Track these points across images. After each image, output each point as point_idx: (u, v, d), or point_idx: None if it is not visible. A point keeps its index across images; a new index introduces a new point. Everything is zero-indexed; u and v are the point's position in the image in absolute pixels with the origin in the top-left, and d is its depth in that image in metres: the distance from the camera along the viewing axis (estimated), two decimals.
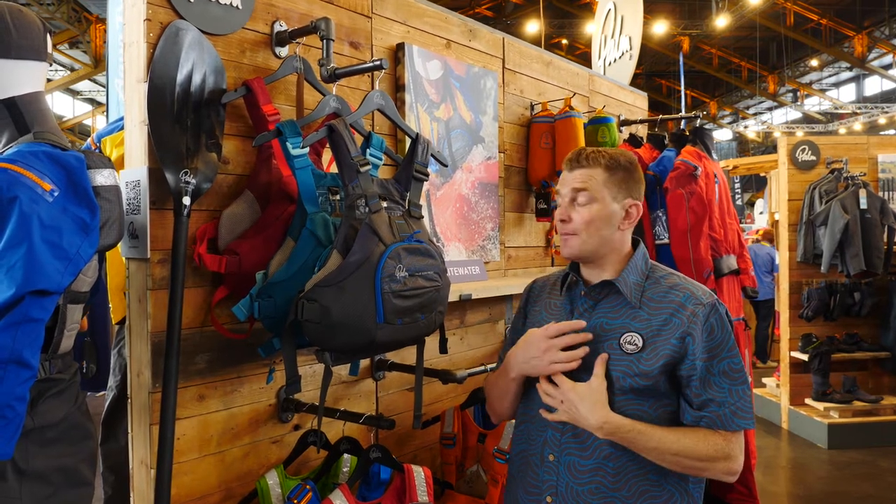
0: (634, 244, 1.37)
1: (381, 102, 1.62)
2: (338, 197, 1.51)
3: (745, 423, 1.23)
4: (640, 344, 1.25)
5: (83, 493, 1.34)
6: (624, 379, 1.24)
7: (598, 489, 1.24)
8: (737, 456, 1.22)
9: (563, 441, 1.28)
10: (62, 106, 20.36)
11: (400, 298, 1.34)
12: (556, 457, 1.28)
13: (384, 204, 1.43)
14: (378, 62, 1.54)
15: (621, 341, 1.26)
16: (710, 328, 1.24)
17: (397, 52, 2.02)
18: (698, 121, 2.98)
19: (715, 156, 2.95)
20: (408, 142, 1.60)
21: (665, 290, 1.30)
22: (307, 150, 1.45)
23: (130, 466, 1.45)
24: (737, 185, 13.45)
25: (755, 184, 16.12)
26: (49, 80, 15.94)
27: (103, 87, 17.98)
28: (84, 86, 19.34)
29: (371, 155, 1.54)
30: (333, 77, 1.57)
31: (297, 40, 1.64)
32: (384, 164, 1.72)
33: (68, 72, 16.97)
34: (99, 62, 14.67)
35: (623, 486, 1.23)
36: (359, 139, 1.56)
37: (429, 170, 1.58)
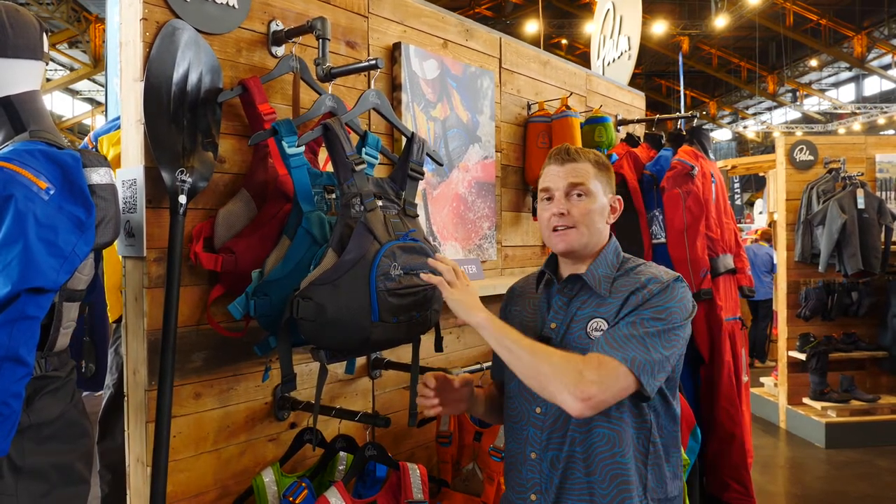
0: (608, 239, 1.40)
1: (376, 101, 1.63)
2: (333, 196, 1.51)
3: (612, 352, 1.16)
4: (606, 328, 1.26)
5: (79, 490, 1.35)
6: None
7: (573, 476, 1.25)
8: (593, 380, 1.12)
9: (543, 438, 1.29)
10: (62, 105, 20.36)
11: (395, 297, 1.35)
12: (538, 454, 1.29)
13: (379, 203, 1.43)
14: (373, 61, 1.54)
15: (588, 329, 1.28)
16: (653, 293, 1.25)
17: (394, 52, 2.02)
18: (695, 120, 2.98)
19: (712, 155, 2.95)
20: (404, 141, 1.60)
21: (634, 277, 1.31)
22: (303, 148, 1.46)
23: (127, 464, 1.46)
24: (736, 185, 13.46)
25: (755, 184, 16.12)
26: (48, 80, 15.96)
27: (103, 86, 17.97)
28: (83, 85, 19.34)
29: (367, 154, 1.55)
30: (329, 76, 1.57)
31: (294, 40, 1.64)
32: (380, 163, 1.73)
33: (68, 71, 16.97)
34: (98, 62, 14.67)
35: (595, 471, 1.24)
36: (355, 138, 1.57)
37: (424, 169, 1.59)
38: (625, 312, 1.25)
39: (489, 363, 1.98)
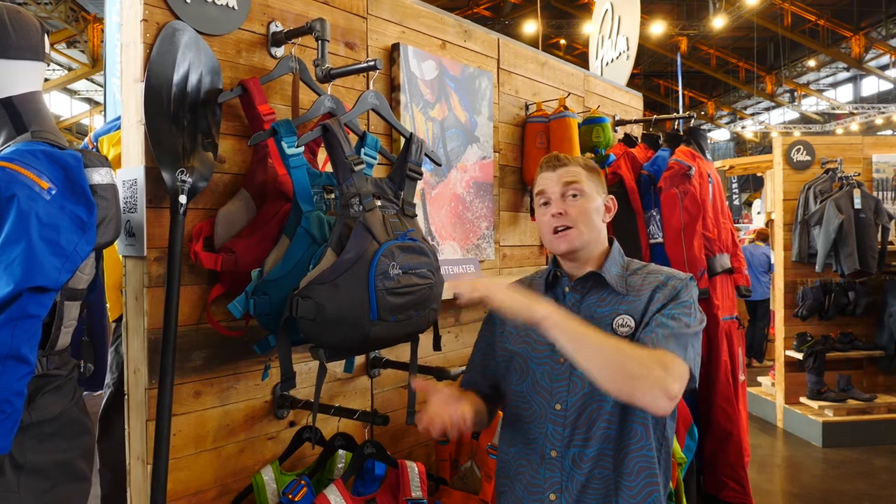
0: (609, 241, 1.43)
1: (375, 102, 1.64)
2: (332, 196, 1.52)
3: (678, 349, 1.19)
4: (633, 325, 1.28)
5: (81, 488, 1.36)
6: None
7: (601, 474, 1.26)
8: (675, 376, 1.14)
9: (566, 434, 1.29)
10: (60, 105, 20.35)
11: (393, 296, 1.36)
12: (559, 452, 1.29)
13: (378, 202, 1.44)
14: (372, 62, 1.56)
15: (614, 325, 1.29)
16: (677, 290, 1.30)
17: (392, 53, 2.04)
18: (692, 121, 3.00)
19: (709, 156, 2.97)
20: (402, 141, 1.61)
21: (645, 276, 1.36)
22: (302, 149, 1.47)
23: (127, 462, 1.47)
24: (734, 186, 13.49)
25: (753, 184, 16.15)
26: (46, 80, 15.91)
27: (101, 86, 17.98)
28: (82, 85, 19.34)
29: (366, 154, 1.56)
30: (328, 77, 1.59)
31: (293, 41, 1.65)
32: (379, 164, 1.74)
33: (66, 71, 16.97)
34: (96, 61, 14.67)
35: (625, 466, 1.26)
36: (354, 139, 1.58)
37: (423, 169, 1.60)
38: (656, 307, 1.28)
39: None
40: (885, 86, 20.76)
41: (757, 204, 11.76)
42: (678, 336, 1.22)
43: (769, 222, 6.56)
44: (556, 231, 1.36)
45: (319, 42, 1.57)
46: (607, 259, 1.38)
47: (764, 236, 7.29)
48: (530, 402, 1.35)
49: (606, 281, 1.34)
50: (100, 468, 2.13)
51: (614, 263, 1.38)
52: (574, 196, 1.36)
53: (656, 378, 1.11)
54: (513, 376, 1.39)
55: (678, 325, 1.24)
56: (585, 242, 1.35)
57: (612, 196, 1.44)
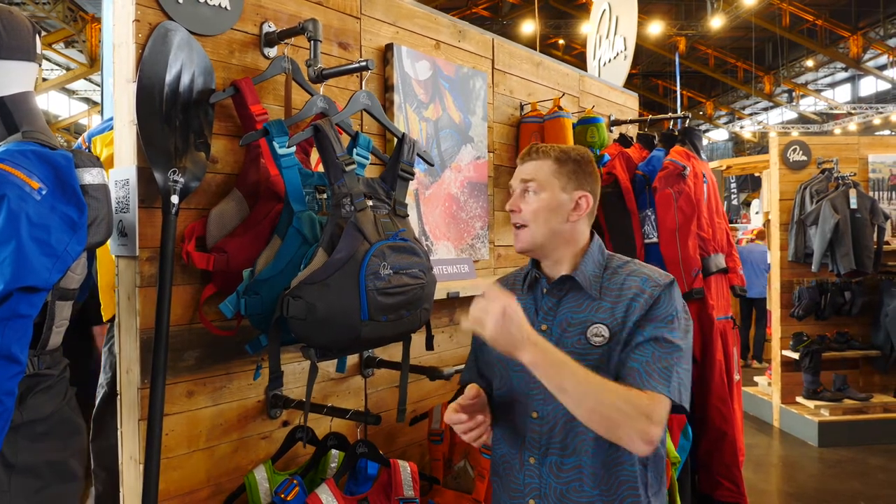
0: (591, 237, 1.36)
1: (367, 103, 1.64)
2: (324, 196, 1.53)
3: (660, 387, 1.15)
4: (608, 335, 1.22)
5: (72, 487, 1.36)
6: (596, 372, 1.24)
7: (581, 486, 1.23)
8: (657, 421, 1.12)
9: (542, 442, 1.27)
10: (58, 105, 20.34)
11: (384, 296, 1.36)
12: (536, 459, 1.27)
13: (370, 203, 1.45)
14: (364, 63, 1.56)
15: (588, 334, 1.24)
16: (657, 299, 1.23)
17: (386, 53, 2.04)
18: (687, 121, 3.01)
19: (703, 156, 2.97)
20: (396, 142, 1.62)
21: (623, 279, 1.28)
22: (294, 149, 1.47)
23: (120, 462, 1.47)
24: (733, 186, 13.51)
25: (751, 184, 16.18)
26: (45, 80, 15.95)
27: (99, 86, 17.99)
28: (80, 85, 19.33)
29: (358, 154, 1.56)
30: (321, 77, 1.59)
31: (286, 41, 1.66)
32: (372, 164, 1.74)
33: (64, 71, 16.96)
34: (95, 61, 14.67)
35: (607, 478, 1.23)
36: (346, 139, 1.58)
37: (416, 169, 1.61)
38: (633, 319, 1.21)
39: None
40: (883, 86, 20.79)
41: (755, 204, 11.78)
42: (663, 368, 1.17)
43: (766, 222, 6.57)
44: (516, 227, 1.33)
45: (312, 42, 1.57)
46: (584, 258, 1.31)
47: (763, 235, 7.34)
48: (510, 408, 1.34)
49: (580, 284, 1.29)
50: (94, 468, 2.13)
51: (591, 263, 1.31)
52: (528, 192, 1.31)
53: (637, 426, 1.11)
54: (495, 381, 1.39)
55: (662, 349, 1.19)
56: (539, 243, 1.30)
57: (586, 193, 1.32)
